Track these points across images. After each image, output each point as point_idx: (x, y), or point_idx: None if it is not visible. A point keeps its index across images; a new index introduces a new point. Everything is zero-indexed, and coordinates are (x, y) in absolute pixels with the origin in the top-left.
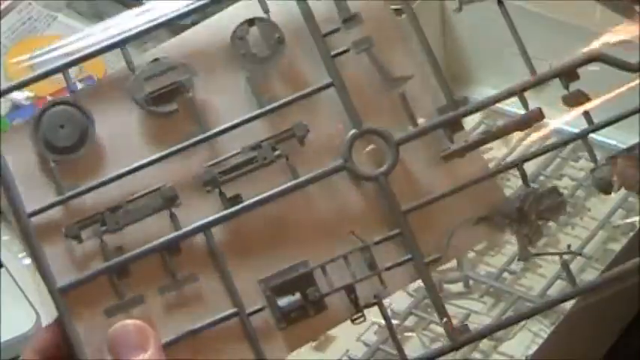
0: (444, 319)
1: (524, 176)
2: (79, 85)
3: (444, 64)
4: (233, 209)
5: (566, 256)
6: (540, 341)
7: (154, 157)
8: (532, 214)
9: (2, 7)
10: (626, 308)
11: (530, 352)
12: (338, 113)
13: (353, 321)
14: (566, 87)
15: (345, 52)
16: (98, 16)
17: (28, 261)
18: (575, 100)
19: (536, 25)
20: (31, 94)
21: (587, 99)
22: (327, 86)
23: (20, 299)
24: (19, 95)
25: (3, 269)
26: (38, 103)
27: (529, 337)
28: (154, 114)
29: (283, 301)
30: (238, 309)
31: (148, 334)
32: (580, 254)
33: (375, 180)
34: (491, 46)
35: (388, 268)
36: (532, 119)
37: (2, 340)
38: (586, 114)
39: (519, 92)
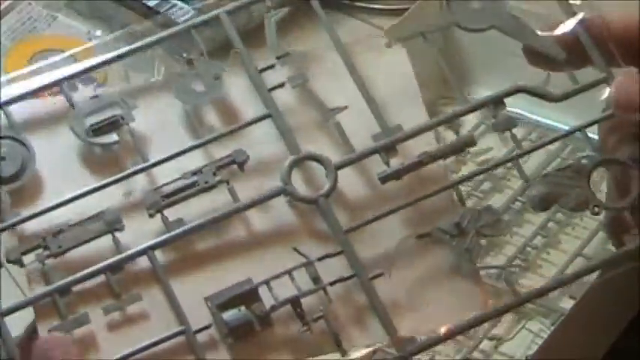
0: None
1: (460, 196)
2: (80, 86)
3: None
4: (175, 232)
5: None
6: (540, 341)
7: (95, 185)
8: (471, 230)
9: (2, 7)
10: (626, 309)
11: (531, 352)
12: (277, 139)
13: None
14: (494, 116)
15: (280, 86)
16: (98, 16)
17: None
18: (503, 125)
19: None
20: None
21: (514, 125)
22: (265, 117)
23: (20, 299)
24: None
25: (3, 269)
26: None
27: (529, 337)
28: (94, 145)
29: (229, 316)
30: (185, 327)
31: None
32: (518, 267)
33: (314, 203)
34: (491, 47)
35: (332, 283)
36: (465, 144)
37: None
38: (514, 137)
39: (450, 120)
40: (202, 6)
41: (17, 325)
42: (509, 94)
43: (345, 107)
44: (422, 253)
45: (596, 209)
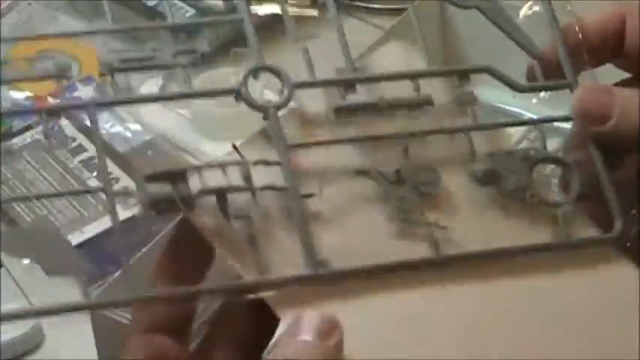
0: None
1: (405, 149)
2: (79, 86)
3: (444, 63)
4: (121, 98)
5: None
6: None
7: None
8: (408, 180)
9: (2, 7)
10: None
11: None
12: None
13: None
14: (457, 87)
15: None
16: (98, 16)
17: (27, 261)
18: (463, 100)
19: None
20: (30, 94)
21: (474, 101)
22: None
23: (20, 299)
24: (18, 95)
25: (3, 269)
26: (37, 103)
27: None
28: None
29: (154, 189)
30: (104, 185)
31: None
32: (445, 228)
33: (264, 111)
34: (491, 45)
35: (262, 188)
36: (422, 101)
37: (2, 340)
38: (473, 113)
39: (413, 77)
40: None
41: (23, 323)
42: (475, 70)
43: (317, 36)
44: (360, 189)
45: (533, 198)
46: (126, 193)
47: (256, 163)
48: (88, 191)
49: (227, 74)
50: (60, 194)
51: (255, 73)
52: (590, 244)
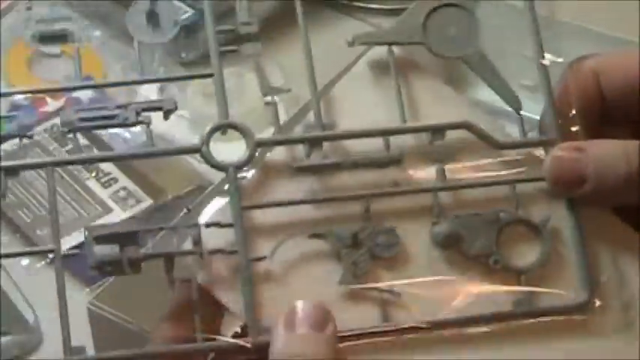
0: None
1: (366, 208)
2: None
3: (446, 65)
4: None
5: (386, 295)
6: None
7: None
8: (366, 245)
9: (2, 7)
10: None
11: None
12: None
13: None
14: (431, 142)
15: (233, 50)
16: (98, 16)
17: (26, 261)
18: (436, 155)
19: (544, 26)
20: (29, 96)
21: (448, 159)
22: (208, 75)
23: (19, 299)
24: (17, 97)
25: (3, 269)
26: (37, 104)
27: None
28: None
29: (100, 250)
30: (55, 247)
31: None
32: (399, 295)
33: (224, 170)
34: (492, 47)
35: (211, 252)
36: (390, 160)
37: (2, 340)
38: (439, 172)
39: (383, 134)
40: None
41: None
42: (452, 127)
43: (289, 90)
44: (316, 249)
45: (497, 263)
46: (74, 254)
47: (208, 225)
48: (38, 252)
49: (227, 75)
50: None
51: (218, 130)
52: (553, 313)
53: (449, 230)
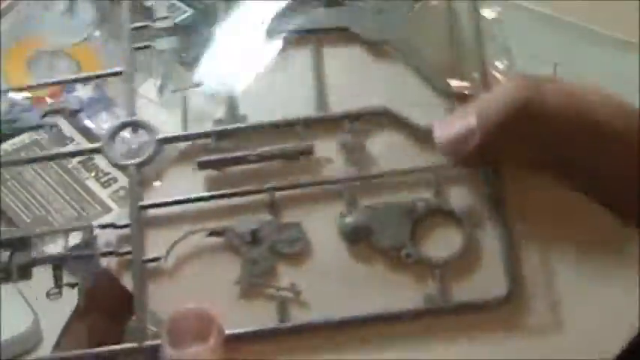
0: None
1: (271, 203)
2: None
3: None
4: None
5: (285, 293)
6: None
7: None
8: (267, 241)
9: (2, 7)
10: None
11: None
12: None
13: (48, 295)
14: (348, 131)
15: (146, 47)
16: (98, 16)
17: None
18: (352, 147)
19: (545, 26)
20: (29, 95)
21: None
22: (116, 74)
23: (18, 299)
24: (16, 96)
25: None
26: (36, 104)
27: None
28: None
29: None
30: None
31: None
32: (299, 294)
33: (125, 169)
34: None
35: (103, 254)
36: (300, 152)
37: (2, 340)
38: (355, 160)
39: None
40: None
41: (21, 323)
42: (368, 113)
43: (200, 85)
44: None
45: (409, 257)
46: None
47: (103, 227)
48: None
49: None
50: None
51: (121, 128)
52: (467, 309)
53: (357, 222)
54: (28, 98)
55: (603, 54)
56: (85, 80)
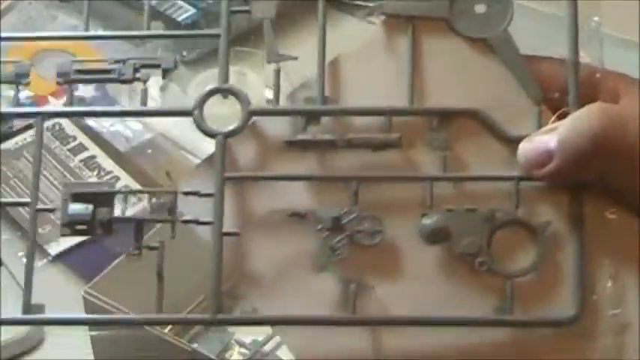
0: None
1: (355, 192)
2: (80, 85)
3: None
4: (72, 109)
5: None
6: None
7: None
8: (348, 229)
9: (2, 6)
10: None
11: None
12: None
13: (128, 255)
14: (436, 127)
15: (246, 11)
16: (98, 16)
17: None
18: (438, 143)
19: (547, 25)
20: (31, 93)
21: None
22: (215, 35)
23: (20, 298)
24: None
25: (3, 268)
26: (38, 102)
27: None
28: None
29: (74, 209)
30: (31, 199)
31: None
32: (372, 287)
33: (213, 137)
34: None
35: (185, 222)
36: (387, 143)
37: (2, 340)
38: (444, 158)
39: (385, 113)
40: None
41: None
42: (459, 113)
43: (296, 57)
44: (293, 231)
45: (483, 265)
46: (49, 209)
47: (187, 193)
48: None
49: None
50: None
51: (212, 95)
52: (535, 325)
53: (437, 224)
54: (29, 97)
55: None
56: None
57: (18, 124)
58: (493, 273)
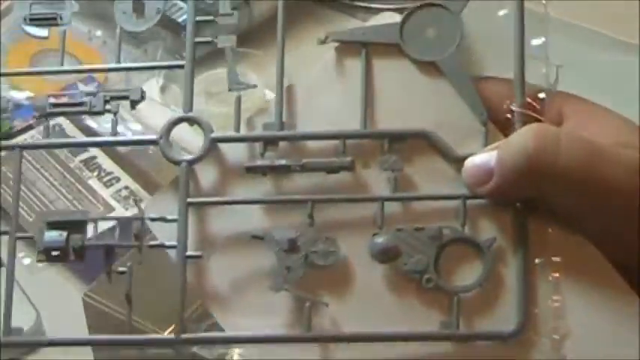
0: None
1: (310, 215)
2: (80, 85)
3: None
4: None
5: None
6: None
7: None
8: (304, 250)
9: (2, 7)
10: None
11: None
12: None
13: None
14: (388, 149)
15: (209, 42)
16: (98, 16)
17: (28, 260)
18: (389, 166)
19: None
20: (31, 94)
21: (399, 168)
22: (179, 66)
23: (20, 298)
24: (18, 95)
25: (3, 268)
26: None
27: None
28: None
29: (49, 236)
30: (10, 230)
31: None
32: (326, 304)
33: (177, 164)
34: (502, 51)
35: (151, 246)
36: (340, 167)
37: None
38: (394, 180)
39: (339, 137)
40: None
41: (23, 322)
42: (408, 134)
43: (255, 86)
44: (253, 252)
45: (429, 282)
46: (27, 237)
47: (153, 219)
48: None
49: (225, 75)
50: None
51: (176, 124)
52: (479, 339)
53: (386, 243)
54: (29, 98)
55: (604, 55)
56: (144, 69)
57: (18, 124)
58: (439, 289)
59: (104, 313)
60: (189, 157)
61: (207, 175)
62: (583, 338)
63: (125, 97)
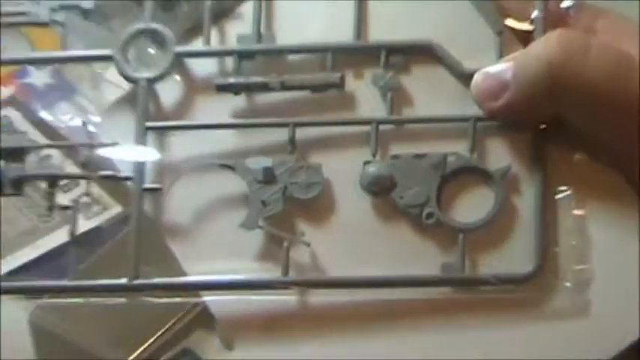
0: None
1: (292, 140)
2: (32, 70)
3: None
4: None
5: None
6: None
7: None
8: (281, 182)
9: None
10: None
11: None
12: None
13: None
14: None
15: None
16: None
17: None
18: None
19: None
20: None
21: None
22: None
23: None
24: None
25: None
26: None
27: None
28: None
29: None
30: None
31: None
32: (308, 245)
33: (134, 82)
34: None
35: (102, 177)
36: (329, 85)
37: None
38: (391, 100)
39: (324, 50)
40: None
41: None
42: (410, 47)
43: None
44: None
45: (430, 218)
46: None
47: (105, 145)
48: None
49: None
50: None
51: (136, 37)
52: (489, 283)
53: (380, 172)
54: None
55: None
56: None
57: None
58: (442, 226)
59: (51, 334)
60: (149, 74)
61: (169, 94)
62: (609, 282)
63: (76, 7)
